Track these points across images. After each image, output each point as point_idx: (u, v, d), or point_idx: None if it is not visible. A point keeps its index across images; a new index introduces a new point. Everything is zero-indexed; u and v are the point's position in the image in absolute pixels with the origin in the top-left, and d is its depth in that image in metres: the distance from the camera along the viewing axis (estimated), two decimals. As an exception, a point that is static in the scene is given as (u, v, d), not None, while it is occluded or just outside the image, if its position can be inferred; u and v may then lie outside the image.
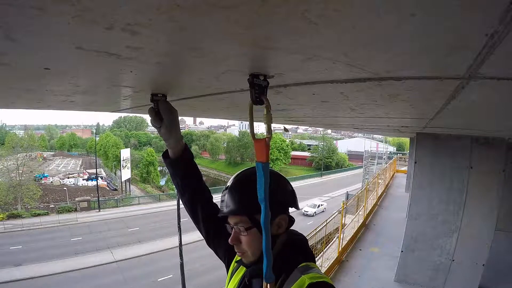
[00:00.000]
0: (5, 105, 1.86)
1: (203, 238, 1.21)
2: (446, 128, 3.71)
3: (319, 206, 26.80)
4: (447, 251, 5.01)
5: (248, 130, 1.05)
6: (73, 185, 36.46)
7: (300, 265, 0.91)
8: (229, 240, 0.94)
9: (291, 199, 1.00)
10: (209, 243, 1.20)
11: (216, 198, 1.24)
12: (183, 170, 1.17)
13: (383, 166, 19.98)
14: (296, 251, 0.95)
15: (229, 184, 0.98)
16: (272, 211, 0.85)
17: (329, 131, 55.72)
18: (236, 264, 1.07)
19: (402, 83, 0.95)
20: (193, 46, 0.64)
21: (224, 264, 1.15)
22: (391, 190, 14.27)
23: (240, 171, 1.01)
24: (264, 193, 0.84)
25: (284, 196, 0.98)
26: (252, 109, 0.89)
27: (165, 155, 1.20)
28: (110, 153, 45.70)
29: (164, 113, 1.13)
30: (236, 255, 1.06)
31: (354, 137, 61.17)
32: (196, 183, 1.19)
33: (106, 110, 2.24)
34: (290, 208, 1.00)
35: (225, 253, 1.13)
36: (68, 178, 39.93)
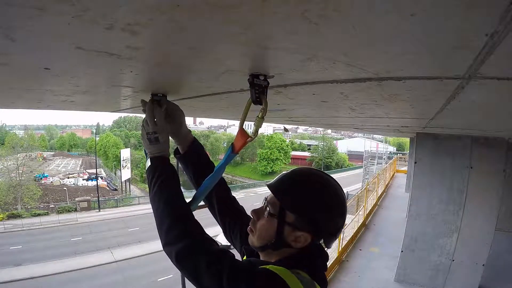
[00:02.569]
0: (5, 105, 1.86)
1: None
2: (446, 128, 3.71)
3: None
4: (447, 251, 5.01)
5: (248, 130, 1.07)
6: (73, 185, 36.43)
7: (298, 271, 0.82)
8: (252, 210, 0.92)
9: (329, 230, 0.87)
10: (226, 234, 1.17)
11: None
12: (195, 163, 1.16)
13: (383, 166, 19.97)
14: (300, 261, 0.85)
15: (293, 169, 0.96)
16: (299, 221, 0.84)
17: (329, 131, 55.71)
18: None
19: (402, 83, 0.95)
20: (193, 46, 0.64)
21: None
22: (391, 190, 14.26)
23: (302, 168, 0.97)
24: (217, 170, 1.02)
25: (324, 219, 0.86)
26: (250, 105, 0.91)
27: (177, 151, 1.19)
28: (110, 153, 45.74)
29: (172, 112, 1.12)
30: None
31: (354, 137, 61.13)
32: (209, 173, 1.15)
33: (106, 110, 2.24)
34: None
35: (242, 245, 1.10)
36: (68, 178, 39.91)
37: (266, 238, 0.87)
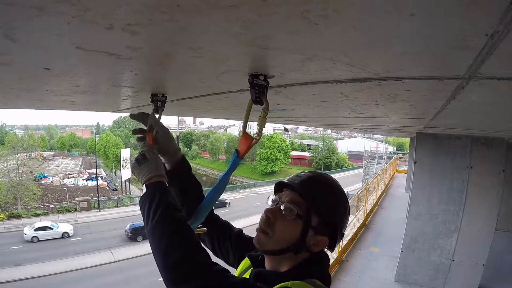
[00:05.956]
0: (5, 105, 1.86)
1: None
2: (446, 128, 3.71)
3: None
4: (447, 251, 5.01)
5: (249, 131, 1.06)
6: (73, 185, 36.42)
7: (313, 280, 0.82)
8: (267, 209, 0.86)
9: (341, 234, 0.89)
10: (216, 252, 1.13)
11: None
12: (182, 181, 1.11)
13: (383, 166, 19.97)
14: (312, 269, 0.85)
15: (311, 172, 0.93)
16: (320, 225, 0.83)
17: (329, 131, 55.73)
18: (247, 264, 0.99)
19: (402, 83, 0.95)
20: (193, 46, 0.64)
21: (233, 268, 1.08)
22: (391, 190, 14.25)
23: (319, 172, 0.95)
24: (223, 178, 0.99)
25: (340, 224, 0.87)
26: (251, 107, 0.90)
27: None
28: (110, 153, 45.72)
29: (159, 127, 1.05)
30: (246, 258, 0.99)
31: (354, 137, 61.11)
32: (197, 193, 1.13)
33: (106, 110, 2.25)
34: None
35: (235, 257, 1.08)
36: (68, 178, 39.91)
37: (287, 240, 0.82)
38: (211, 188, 1.02)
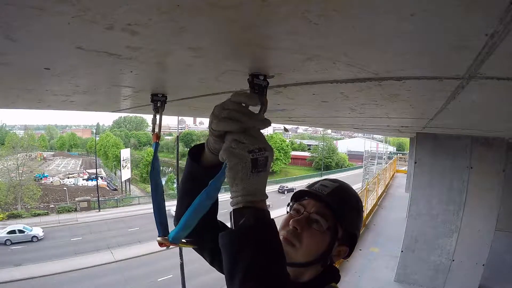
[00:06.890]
0: (5, 105, 1.86)
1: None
2: (446, 128, 3.71)
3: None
4: (447, 251, 5.01)
5: None
6: (73, 185, 36.42)
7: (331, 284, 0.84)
8: (293, 220, 0.81)
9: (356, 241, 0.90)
10: (214, 263, 0.96)
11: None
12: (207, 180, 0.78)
13: (383, 166, 19.97)
14: (330, 275, 0.87)
15: (334, 181, 0.91)
16: (344, 236, 0.84)
17: (329, 131, 55.75)
18: None
19: (402, 83, 0.95)
20: (193, 46, 0.64)
21: None
22: (391, 190, 14.25)
23: (342, 182, 0.92)
24: (215, 182, 0.67)
25: (358, 233, 0.89)
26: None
27: (196, 155, 0.80)
28: (110, 153, 45.74)
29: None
30: None
31: (354, 137, 61.20)
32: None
33: (106, 110, 2.25)
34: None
35: None
36: (68, 178, 39.91)
37: (315, 253, 0.81)
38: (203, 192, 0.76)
